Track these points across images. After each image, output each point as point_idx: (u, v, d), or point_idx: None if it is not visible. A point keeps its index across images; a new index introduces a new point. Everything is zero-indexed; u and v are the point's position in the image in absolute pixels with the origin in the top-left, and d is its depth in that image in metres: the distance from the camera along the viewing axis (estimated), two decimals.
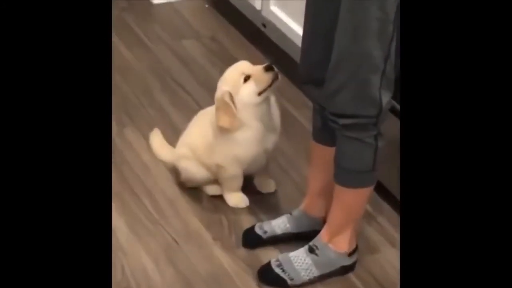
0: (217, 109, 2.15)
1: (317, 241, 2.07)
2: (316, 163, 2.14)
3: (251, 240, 2.18)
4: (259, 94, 2.10)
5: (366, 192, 2.05)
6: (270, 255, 2.12)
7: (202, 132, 2.30)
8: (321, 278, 2.06)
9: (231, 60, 2.87)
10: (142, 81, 2.86)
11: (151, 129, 2.55)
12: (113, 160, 2.46)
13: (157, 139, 2.47)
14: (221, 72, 2.84)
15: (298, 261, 2.06)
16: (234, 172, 2.26)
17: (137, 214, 2.20)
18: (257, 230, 2.17)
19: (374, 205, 2.38)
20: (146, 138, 2.55)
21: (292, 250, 2.10)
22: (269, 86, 2.10)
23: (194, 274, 2.06)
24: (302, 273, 2.05)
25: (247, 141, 2.19)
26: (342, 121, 1.89)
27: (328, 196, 2.08)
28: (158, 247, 2.14)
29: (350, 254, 2.10)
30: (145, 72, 2.92)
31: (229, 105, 2.10)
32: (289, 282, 2.04)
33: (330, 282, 2.10)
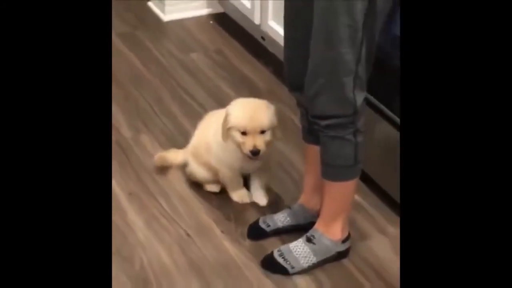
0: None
1: (314, 231, 2.08)
2: (309, 162, 2.15)
3: (256, 233, 2.19)
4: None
5: (352, 184, 2.05)
6: (273, 246, 2.12)
7: (203, 133, 2.29)
8: (319, 264, 2.07)
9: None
10: (155, 92, 2.88)
11: (164, 134, 2.56)
12: (130, 163, 2.50)
13: (165, 155, 2.45)
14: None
15: (298, 250, 2.07)
16: (226, 175, 2.26)
17: (154, 212, 2.22)
18: (261, 224, 2.17)
19: (365, 197, 2.38)
20: (160, 143, 2.56)
21: (292, 241, 2.10)
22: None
23: (205, 264, 2.07)
24: (302, 261, 2.05)
25: (228, 154, 2.20)
26: (323, 122, 1.90)
27: (322, 191, 2.09)
28: (172, 240, 2.15)
29: (344, 241, 2.11)
30: (157, 83, 2.94)
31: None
32: (290, 270, 2.05)
33: (327, 268, 2.09)
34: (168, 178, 2.44)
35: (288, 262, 2.05)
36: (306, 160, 2.19)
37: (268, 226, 2.19)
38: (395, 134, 2.33)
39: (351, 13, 1.77)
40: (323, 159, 2.00)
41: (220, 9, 3.39)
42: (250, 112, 2.11)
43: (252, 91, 2.91)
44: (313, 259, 2.07)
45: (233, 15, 3.22)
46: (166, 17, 3.36)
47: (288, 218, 2.20)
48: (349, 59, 1.81)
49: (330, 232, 2.08)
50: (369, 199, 2.37)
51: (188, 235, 2.17)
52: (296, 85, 2.01)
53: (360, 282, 2.09)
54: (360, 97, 1.87)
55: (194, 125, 2.55)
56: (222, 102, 2.73)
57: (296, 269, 2.05)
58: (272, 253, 2.07)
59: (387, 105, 2.27)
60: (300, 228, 2.18)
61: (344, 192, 2.07)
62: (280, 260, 2.05)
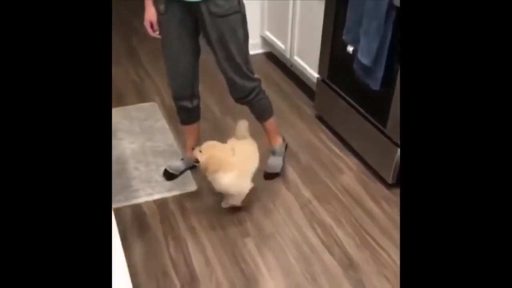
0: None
1: (271, 148, 2.26)
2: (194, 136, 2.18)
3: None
4: None
5: (273, 118, 2.19)
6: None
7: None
8: (283, 159, 2.27)
9: (276, 84, 3.07)
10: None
11: (242, 114, 2.38)
12: (219, 132, 2.46)
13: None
14: (271, 90, 2.96)
15: (275, 162, 2.26)
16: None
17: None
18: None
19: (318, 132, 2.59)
20: (236, 120, 2.46)
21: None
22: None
23: None
24: (280, 164, 2.25)
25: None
26: (250, 96, 1.99)
27: (264, 129, 2.19)
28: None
29: (283, 141, 2.29)
30: None
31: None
32: (279, 172, 2.24)
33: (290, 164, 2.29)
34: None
35: (276, 169, 2.23)
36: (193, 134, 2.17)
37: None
38: None
39: (238, 38, 1.78)
40: (256, 114, 2.10)
41: (268, 49, 3.46)
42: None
43: (282, 94, 2.98)
44: (281, 160, 2.27)
45: (275, 53, 3.30)
46: None
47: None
48: (241, 60, 1.86)
49: (276, 142, 2.26)
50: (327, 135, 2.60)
51: None
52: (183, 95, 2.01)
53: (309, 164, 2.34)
54: (253, 73, 1.95)
55: None
56: (270, 100, 2.63)
57: (280, 169, 2.24)
58: (265, 171, 2.23)
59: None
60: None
61: (271, 123, 2.20)
62: (272, 171, 2.22)
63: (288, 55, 3.08)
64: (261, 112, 2.10)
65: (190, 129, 2.19)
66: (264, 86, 2.98)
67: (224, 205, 2.12)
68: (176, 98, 2.05)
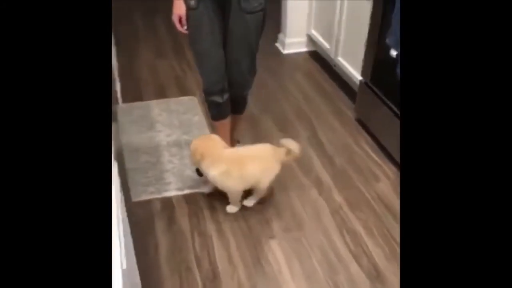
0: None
1: (237, 137, 2.24)
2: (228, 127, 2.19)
3: None
4: None
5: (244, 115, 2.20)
6: None
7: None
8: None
9: (318, 83, 3.12)
10: (274, 93, 2.94)
11: (279, 121, 2.73)
12: (256, 129, 2.51)
13: None
14: (313, 89, 3.05)
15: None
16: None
17: None
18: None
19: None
20: (276, 124, 2.71)
21: None
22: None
23: None
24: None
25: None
26: (247, 90, 2.02)
27: (235, 123, 2.17)
28: None
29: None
30: (276, 87, 2.96)
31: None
32: None
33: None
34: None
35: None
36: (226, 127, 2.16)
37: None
38: None
39: (258, 34, 1.83)
40: (240, 108, 2.11)
41: (313, 48, 3.49)
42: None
43: (323, 94, 3.00)
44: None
45: (320, 52, 3.34)
46: (284, 51, 3.47)
47: None
48: (255, 55, 1.90)
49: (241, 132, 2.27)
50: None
51: None
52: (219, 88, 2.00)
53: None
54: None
55: (296, 114, 2.74)
56: (311, 100, 2.91)
57: None
58: None
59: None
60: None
61: (242, 118, 2.23)
62: None
63: (332, 55, 3.09)
64: (244, 105, 2.08)
65: (221, 125, 2.18)
66: (306, 85, 3.13)
67: (245, 203, 2.11)
68: (207, 93, 2.05)
